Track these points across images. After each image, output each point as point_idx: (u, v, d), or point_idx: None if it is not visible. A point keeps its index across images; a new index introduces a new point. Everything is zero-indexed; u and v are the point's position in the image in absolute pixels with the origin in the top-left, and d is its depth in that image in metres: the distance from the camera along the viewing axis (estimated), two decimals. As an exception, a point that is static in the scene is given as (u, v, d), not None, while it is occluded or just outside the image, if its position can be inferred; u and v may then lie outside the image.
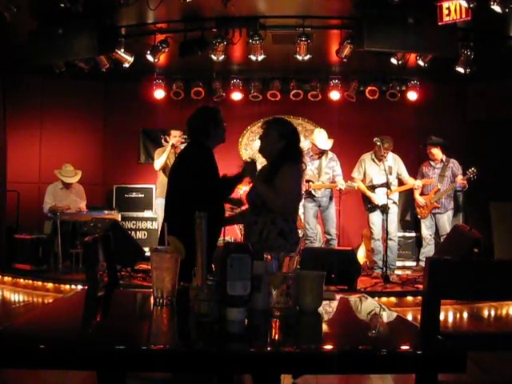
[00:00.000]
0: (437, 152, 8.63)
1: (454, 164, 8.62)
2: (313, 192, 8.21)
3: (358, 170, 8.41)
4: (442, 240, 8.48)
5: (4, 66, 9.06)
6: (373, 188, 8.23)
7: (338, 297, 2.70)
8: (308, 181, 8.19)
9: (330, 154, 8.39)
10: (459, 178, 8.40)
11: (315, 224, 8.45)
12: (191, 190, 4.13)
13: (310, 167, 8.28)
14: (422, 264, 8.56)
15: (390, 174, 8.19)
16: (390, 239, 8.17)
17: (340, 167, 8.39)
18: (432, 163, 8.71)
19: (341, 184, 8.16)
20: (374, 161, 8.09)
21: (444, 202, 8.60)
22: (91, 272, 3.01)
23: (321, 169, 8.29)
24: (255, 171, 4.11)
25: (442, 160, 8.65)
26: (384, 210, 8.08)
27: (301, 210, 8.80)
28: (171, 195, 4.45)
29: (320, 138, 8.31)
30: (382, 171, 8.02)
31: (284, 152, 3.95)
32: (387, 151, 8.14)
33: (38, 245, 8.51)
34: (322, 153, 8.30)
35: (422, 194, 8.63)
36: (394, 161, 8.31)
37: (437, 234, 8.72)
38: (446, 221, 8.61)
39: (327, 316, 2.39)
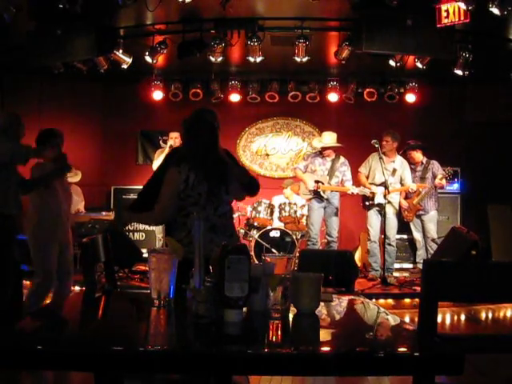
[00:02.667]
0: (417, 155, 8.65)
1: (434, 165, 8.62)
2: (321, 193, 8.22)
3: (365, 166, 8.45)
4: (428, 241, 8.52)
5: (2, 67, 9.05)
6: (375, 186, 8.23)
7: (335, 298, 2.70)
8: (317, 181, 8.22)
9: (342, 159, 8.42)
10: (438, 178, 8.40)
11: (319, 225, 8.46)
12: None
13: (322, 167, 8.35)
14: (420, 266, 8.57)
15: (393, 175, 8.20)
16: (389, 244, 8.17)
17: (350, 173, 8.41)
18: (413, 167, 8.71)
19: (353, 188, 8.16)
20: (380, 159, 8.03)
21: (427, 204, 8.60)
22: (89, 273, 3.01)
23: (332, 171, 8.32)
24: None
25: (422, 162, 8.65)
26: (381, 209, 8.07)
27: (305, 210, 8.81)
28: None
29: (320, 137, 8.51)
30: (385, 170, 8.02)
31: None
32: (392, 144, 8.18)
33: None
34: (321, 152, 8.39)
35: (406, 197, 8.62)
36: (401, 164, 8.34)
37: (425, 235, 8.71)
38: (431, 222, 8.60)
39: (325, 318, 2.39)
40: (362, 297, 2.89)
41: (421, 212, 8.59)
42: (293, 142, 10.75)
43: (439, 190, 8.78)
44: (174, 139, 8.37)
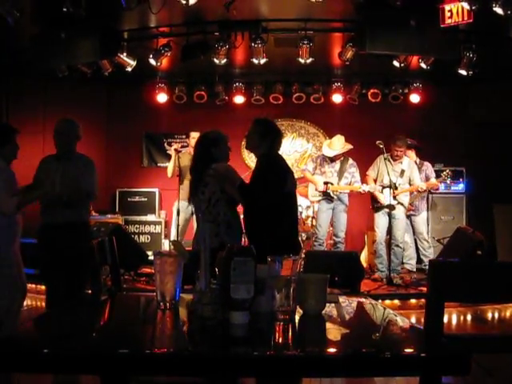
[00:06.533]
0: (411, 155, 8.61)
1: (427, 167, 8.62)
2: (331, 194, 8.21)
3: (373, 169, 8.42)
4: (420, 241, 8.55)
5: (7, 70, 9.07)
6: (382, 188, 8.21)
7: (341, 300, 2.70)
8: (327, 182, 8.20)
9: (351, 160, 8.40)
10: (432, 180, 8.37)
11: (327, 226, 8.46)
12: None
13: (331, 169, 8.33)
14: (407, 266, 8.59)
15: (402, 176, 8.18)
16: (397, 245, 8.15)
17: (359, 174, 8.40)
18: None
19: (364, 186, 8.13)
20: (388, 161, 8.02)
21: (417, 205, 8.62)
22: (95, 276, 3.01)
23: (341, 173, 8.30)
24: None
25: (416, 163, 8.61)
26: (390, 210, 8.04)
27: (311, 212, 8.79)
28: None
29: (329, 143, 8.51)
30: (392, 172, 8.00)
31: None
32: (400, 149, 8.12)
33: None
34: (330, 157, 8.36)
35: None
36: (408, 165, 8.28)
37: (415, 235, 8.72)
38: (421, 222, 8.61)
39: (331, 319, 2.39)
40: (368, 298, 2.89)
41: (412, 212, 8.59)
42: (297, 144, 10.75)
43: (441, 190, 8.80)
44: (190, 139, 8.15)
